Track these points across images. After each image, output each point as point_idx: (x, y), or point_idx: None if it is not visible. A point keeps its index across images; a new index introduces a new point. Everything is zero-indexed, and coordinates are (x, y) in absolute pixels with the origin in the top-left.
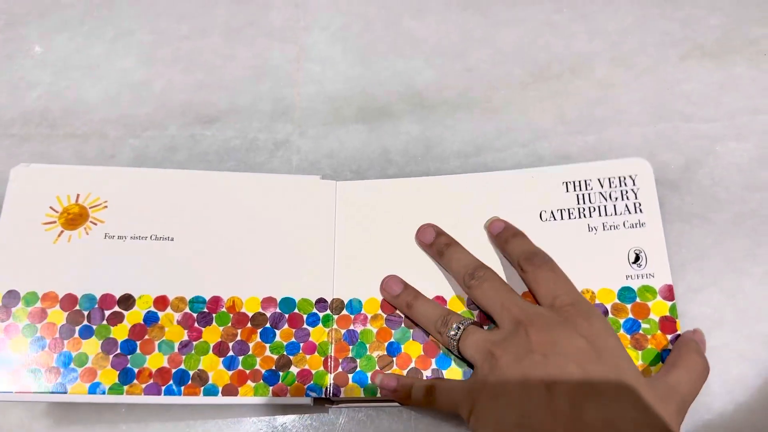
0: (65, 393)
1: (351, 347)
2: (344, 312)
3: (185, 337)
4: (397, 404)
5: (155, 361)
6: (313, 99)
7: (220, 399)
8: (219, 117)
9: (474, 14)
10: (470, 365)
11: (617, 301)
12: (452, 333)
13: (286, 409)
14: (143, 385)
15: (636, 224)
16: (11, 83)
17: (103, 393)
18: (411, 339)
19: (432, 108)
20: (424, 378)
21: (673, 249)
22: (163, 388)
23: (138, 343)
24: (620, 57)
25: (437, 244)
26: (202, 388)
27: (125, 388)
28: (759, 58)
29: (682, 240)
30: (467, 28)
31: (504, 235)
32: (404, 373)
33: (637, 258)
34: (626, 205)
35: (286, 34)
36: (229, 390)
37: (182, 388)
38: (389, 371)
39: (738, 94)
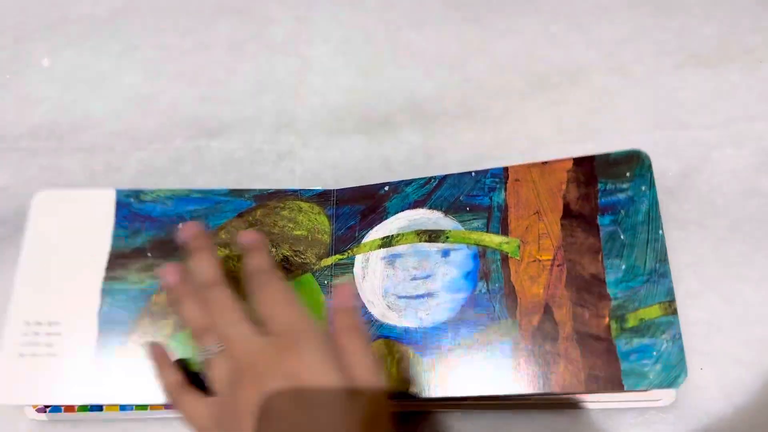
0: (102, 411)
1: None
2: None
3: None
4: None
5: None
6: (316, 111)
7: None
8: (223, 129)
9: (472, 26)
10: None
11: None
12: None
13: None
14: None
15: None
16: (20, 98)
17: (131, 410)
18: None
19: (432, 118)
20: None
21: (671, 255)
22: None
23: None
24: (617, 66)
25: (189, 245)
26: None
27: (148, 405)
28: (754, 65)
29: (680, 246)
30: (466, 40)
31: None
32: None
33: None
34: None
35: (289, 47)
36: None
37: None
38: None
39: (734, 101)
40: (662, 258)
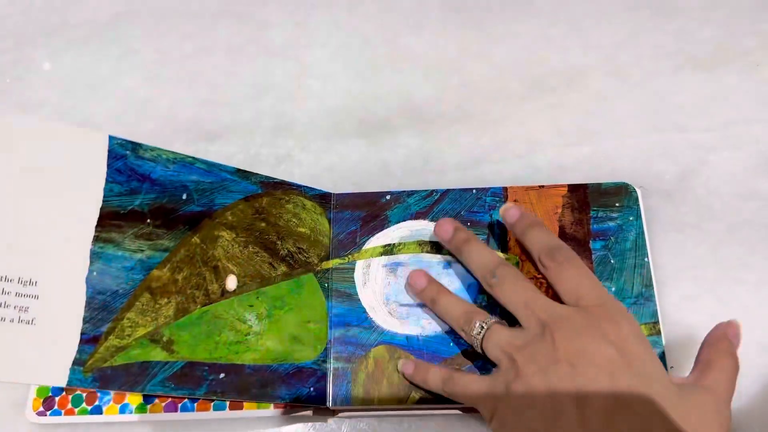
0: (101, 414)
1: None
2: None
3: None
4: (397, 413)
5: None
6: (314, 114)
7: (227, 413)
8: (222, 133)
9: (470, 30)
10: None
11: None
12: (476, 332)
13: (288, 420)
14: (163, 404)
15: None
16: (20, 102)
17: (131, 413)
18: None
19: (430, 122)
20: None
21: (668, 258)
22: (179, 405)
23: None
24: (614, 70)
25: (455, 240)
26: (212, 405)
27: (148, 407)
28: (751, 69)
29: (677, 249)
30: (464, 44)
31: (520, 225)
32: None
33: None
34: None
35: (287, 51)
36: (235, 405)
37: (195, 405)
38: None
39: (731, 104)
40: (648, 283)
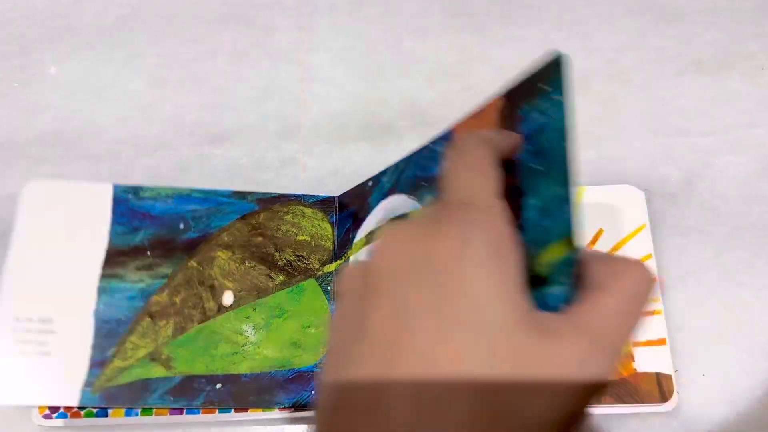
0: (107, 417)
1: None
2: None
3: None
4: None
5: None
6: (318, 118)
7: (233, 416)
8: (227, 136)
9: (473, 34)
10: None
11: None
12: None
13: (293, 422)
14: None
15: None
16: (26, 106)
17: (137, 415)
18: None
19: (434, 125)
20: None
21: (673, 262)
22: (185, 409)
23: None
24: (618, 73)
25: None
26: (217, 408)
27: (154, 410)
28: (755, 72)
29: (682, 253)
30: (467, 48)
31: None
32: None
33: None
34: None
35: (291, 55)
36: (241, 408)
37: (200, 408)
38: None
39: (735, 108)
40: (564, 182)
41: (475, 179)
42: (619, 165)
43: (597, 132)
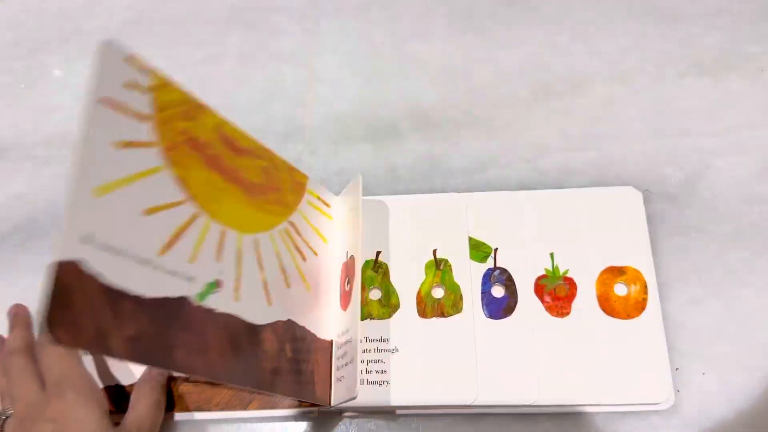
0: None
1: None
2: None
3: None
4: (404, 413)
5: None
6: (323, 119)
7: (236, 413)
8: None
9: (476, 36)
10: None
11: None
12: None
13: (295, 419)
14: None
15: None
16: (34, 107)
17: None
18: None
19: (437, 126)
20: None
21: (674, 261)
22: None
23: None
24: (620, 75)
25: (9, 331)
26: None
27: None
28: (756, 74)
29: (682, 252)
30: (470, 50)
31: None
32: None
33: None
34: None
35: (297, 58)
36: None
37: None
38: None
39: (736, 109)
40: None
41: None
42: (621, 166)
43: (598, 133)
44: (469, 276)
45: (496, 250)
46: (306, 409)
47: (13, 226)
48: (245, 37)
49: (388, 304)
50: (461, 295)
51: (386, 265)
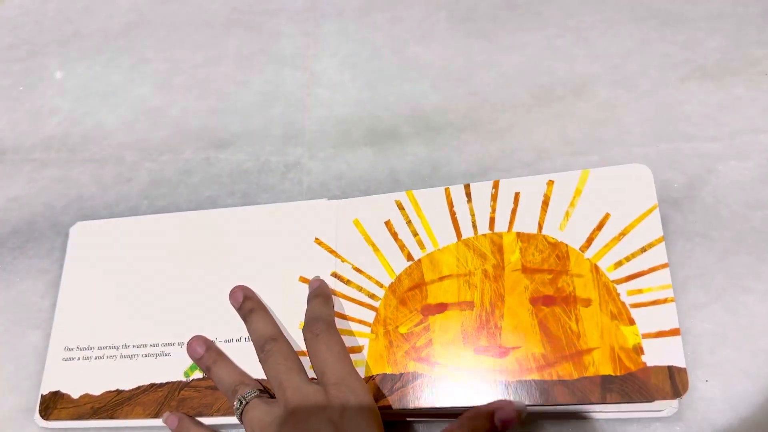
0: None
1: None
2: None
3: None
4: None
5: None
6: (323, 123)
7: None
8: (232, 141)
9: (478, 40)
10: None
11: None
12: (236, 406)
13: None
14: None
15: None
16: (33, 110)
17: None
18: None
19: (438, 130)
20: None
21: (677, 267)
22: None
23: None
24: (622, 79)
25: (243, 308)
26: None
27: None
28: (759, 78)
29: (685, 257)
30: (471, 53)
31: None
32: None
33: None
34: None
35: (297, 61)
36: None
37: None
38: None
39: (739, 114)
40: None
41: (337, 359)
42: None
43: (601, 137)
44: None
45: None
46: None
47: (10, 229)
48: (245, 39)
49: None
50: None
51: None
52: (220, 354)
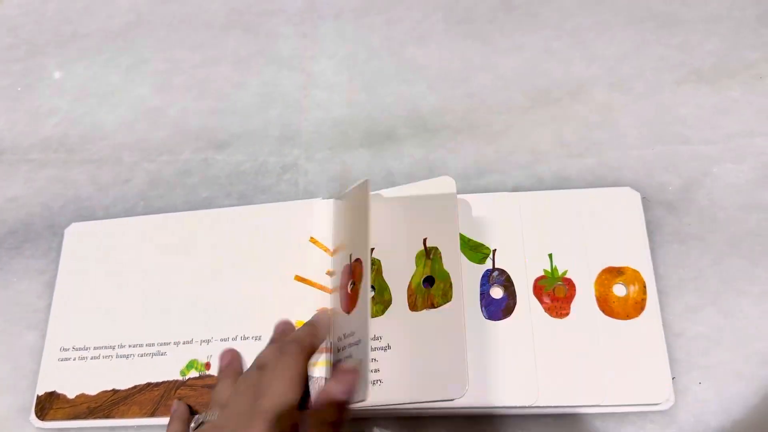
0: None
1: None
2: None
3: None
4: (408, 414)
5: None
6: (320, 124)
7: None
8: (230, 142)
9: (475, 42)
10: None
11: None
12: (192, 426)
13: None
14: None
15: None
16: (31, 110)
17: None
18: None
19: (435, 132)
20: None
21: (671, 269)
22: None
23: None
24: (618, 82)
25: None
26: None
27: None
28: (754, 81)
29: (680, 260)
30: (468, 55)
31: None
32: None
33: None
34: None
35: (294, 62)
36: None
37: None
38: None
39: (734, 117)
40: None
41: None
42: (619, 172)
43: (596, 139)
44: (458, 263)
45: (494, 251)
46: None
47: (7, 229)
48: (243, 41)
49: (381, 301)
50: (451, 284)
51: (379, 261)
52: (228, 370)
